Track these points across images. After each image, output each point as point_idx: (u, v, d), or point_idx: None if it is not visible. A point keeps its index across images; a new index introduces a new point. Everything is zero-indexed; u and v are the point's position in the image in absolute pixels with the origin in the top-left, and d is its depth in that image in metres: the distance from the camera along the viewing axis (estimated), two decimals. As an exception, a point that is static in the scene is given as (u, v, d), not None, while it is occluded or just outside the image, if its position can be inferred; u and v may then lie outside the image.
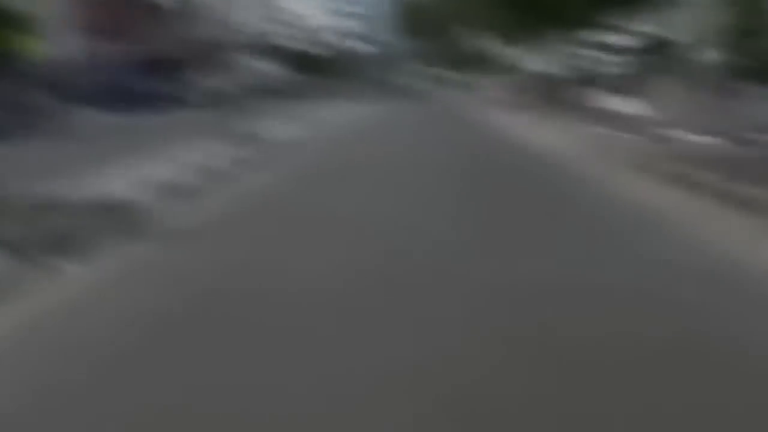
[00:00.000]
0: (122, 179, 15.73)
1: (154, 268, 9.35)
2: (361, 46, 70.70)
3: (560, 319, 7.32)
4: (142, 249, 10.34)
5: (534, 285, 8.46)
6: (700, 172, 15.78)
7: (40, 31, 47.96)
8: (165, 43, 69.84)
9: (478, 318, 7.34)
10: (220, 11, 28.54)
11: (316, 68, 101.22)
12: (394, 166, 20.29)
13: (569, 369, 6.11)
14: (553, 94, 48.71)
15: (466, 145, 29.62)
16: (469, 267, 9.28)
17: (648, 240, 10.99)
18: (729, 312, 7.53)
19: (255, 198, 15.18)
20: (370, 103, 63.14)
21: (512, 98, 60.02)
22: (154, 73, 65.15)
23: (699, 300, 7.90)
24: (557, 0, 43.97)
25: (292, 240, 11.00)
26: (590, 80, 48.18)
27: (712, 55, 53.53)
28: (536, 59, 61.62)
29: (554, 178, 18.83)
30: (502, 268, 9.25)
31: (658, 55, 57.85)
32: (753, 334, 6.94)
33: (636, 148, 22.83)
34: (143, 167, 17.75)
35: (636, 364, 6.29)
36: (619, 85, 40.00)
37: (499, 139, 32.60)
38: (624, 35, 63.04)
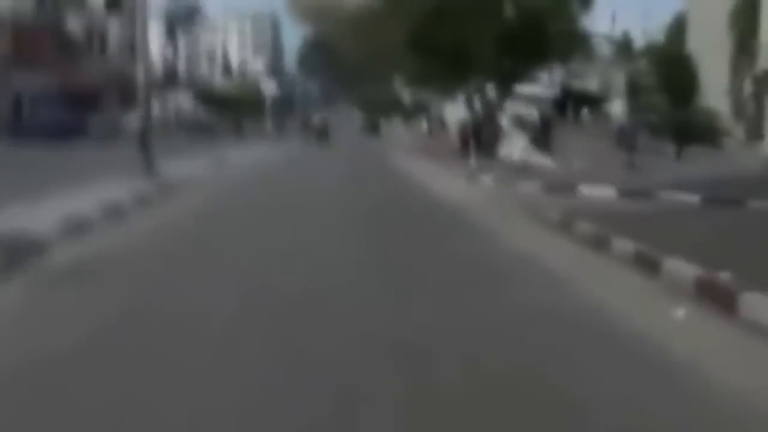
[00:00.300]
0: (23, 214, 15.89)
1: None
2: (271, 86, 70.87)
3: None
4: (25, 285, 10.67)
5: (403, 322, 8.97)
6: (591, 223, 16.29)
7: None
8: (80, 75, 69.62)
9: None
10: (137, 45, 28.84)
11: (227, 106, 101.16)
12: (292, 204, 20.73)
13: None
14: (464, 141, 49.31)
15: (370, 187, 30.25)
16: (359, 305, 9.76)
17: (523, 286, 11.59)
18: (574, 355, 8.03)
19: (148, 235, 15.61)
20: (279, 142, 63.25)
21: (422, 143, 60.46)
22: (68, 105, 64.93)
23: (550, 343, 8.44)
24: (471, 48, 44.47)
25: (177, 279, 11.39)
26: (499, 128, 48.92)
27: (618, 108, 54.76)
28: (449, 106, 62.38)
29: (449, 222, 19.55)
30: (385, 308, 9.84)
31: (568, 105, 58.94)
32: (589, 376, 7.43)
33: (534, 198, 23.39)
34: (46, 201, 17.88)
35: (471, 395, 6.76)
36: (529, 134, 40.69)
37: (404, 182, 33.18)
38: (537, 85, 64.19)
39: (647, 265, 12.66)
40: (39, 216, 15.32)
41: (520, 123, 38.83)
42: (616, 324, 9.53)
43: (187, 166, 30.70)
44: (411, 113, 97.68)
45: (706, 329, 9.47)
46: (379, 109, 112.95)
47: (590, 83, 74.25)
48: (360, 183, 31.56)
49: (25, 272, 11.46)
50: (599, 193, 24.71)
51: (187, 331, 8.59)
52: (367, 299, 10.38)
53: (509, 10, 45.70)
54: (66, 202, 17.75)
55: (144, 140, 26.11)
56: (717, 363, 8.05)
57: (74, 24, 72.12)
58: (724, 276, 10.71)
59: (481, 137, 45.97)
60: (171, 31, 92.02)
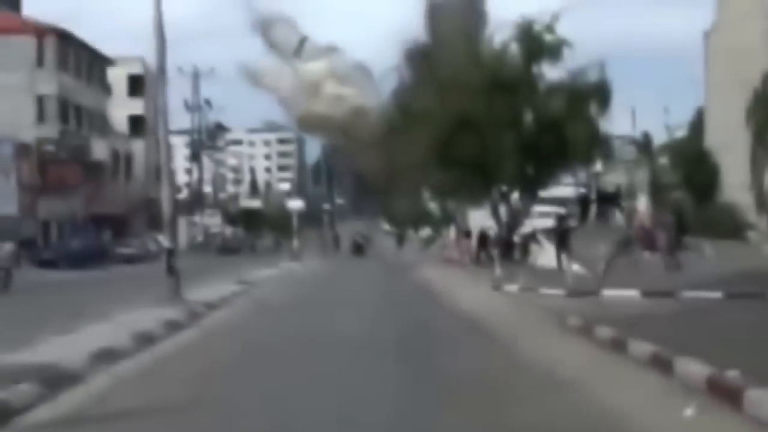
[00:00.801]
0: (51, 344, 16.28)
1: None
2: (298, 204, 71.60)
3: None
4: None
5: None
6: (611, 328, 16.57)
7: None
8: (106, 200, 70.65)
9: None
10: (161, 169, 29.74)
11: (256, 224, 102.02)
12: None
13: None
14: (488, 248, 49.59)
15: (392, 298, 30.81)
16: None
17: (539, 399, 11.84)
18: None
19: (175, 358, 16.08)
20: (308, 259, 63.65)
21: (446, 251, 60.80)
22: (96, 229, 65.83)
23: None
24: (493, 157, 44.94)
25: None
26: (516, 234, 49.28)
27: (642, 204, 54.93)
28: (474, 215, 62.69)
29: (468, 331, 19.96)
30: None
31: (590, 207, 59.25)
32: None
33: (557, 305, 23.61)
34: (76, 330, 18.27)
35: None
36: (554, 238, 40.81)
37: (428, 292, 33.54)
38: (562, 187, 64.55)
39: (662, 365, 12.92)
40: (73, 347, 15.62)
41: (546, 231, 38.92)
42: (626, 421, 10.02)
43: (216, 289, 31.01)
44: (439, 224, 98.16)
45: (713, 425, 9.84)
46: (407, 221, 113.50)
47: (616, 182, 74.58)
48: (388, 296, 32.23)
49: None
50: (622, 294, 24.89)
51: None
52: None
53: (528, 118, 46.31)
54: (97, 332, 18.13)
55: (170, 265, 26.49)
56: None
57: (99, 149, 73.29)
58: (732, 374, 10.99)
59: (506, 246, 46.31)
60: (196, 153, 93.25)
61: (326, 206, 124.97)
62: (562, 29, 46.94)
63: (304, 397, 12.31)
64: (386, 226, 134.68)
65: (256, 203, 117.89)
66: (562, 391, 12.27)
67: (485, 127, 45.02)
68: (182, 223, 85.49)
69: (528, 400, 11.86)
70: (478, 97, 45.28)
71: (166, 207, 27.92)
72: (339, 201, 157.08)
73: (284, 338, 19.48)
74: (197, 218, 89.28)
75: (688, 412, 10.28)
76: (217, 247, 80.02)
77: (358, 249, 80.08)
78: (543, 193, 55.89)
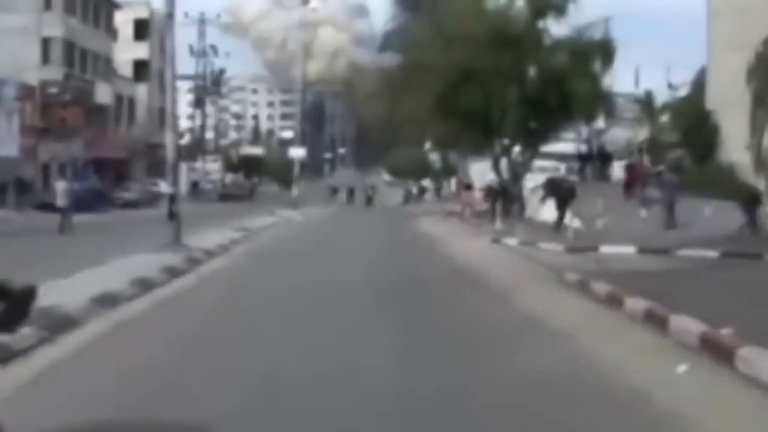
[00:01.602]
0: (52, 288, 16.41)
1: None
2: (300, 152, 71.38)
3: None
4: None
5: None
6: (607, 284, 16.73)
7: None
8: (108, 144, 70.54)
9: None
10: (167, 119, 29.93)
11: (257, 171, 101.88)
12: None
13: None
14: (491, 201, 49.61)
15: (387, 249, 31.13)
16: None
17: (529, 349, 12.07)
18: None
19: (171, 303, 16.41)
20: (307, 208, 63.70)
21: (448, 204, 60.81)
22: (98, 173, 65.81)
23: (546, 409, 8.87)
24: (496, 110, 44.89)
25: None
26: (522, 188, 49.28)
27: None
28: (475, 167, 62.74)
29: (464, 282, 20.30)
30: (386, 368, 10.54)
31: (593, 162, 59.14)
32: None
33: (556, 259, 23.74)
34: (77, 274, 18.45)
35: None
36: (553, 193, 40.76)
37: (423, 244, 33.85)
38: (563, 143, 64.50)
39: (656, 321, 13.10)
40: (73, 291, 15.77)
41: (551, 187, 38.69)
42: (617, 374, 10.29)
43: (214, 237, 31.08)
44: (440, 175, 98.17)
45: (703, 382, 9.98)
46: (408, 172, 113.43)
47: (616, 140, 74.55)
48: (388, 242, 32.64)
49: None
50: (619, 251, 25.03)
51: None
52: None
53: (532, 72, 46.19)
54: (98, 277, 18.28)
55: (172, 211, 26.58)
56: (705, 413, 8.57)
57: (103, 92, 73.09)
58: (725, 332, 11.12)
59: (507, 199, 46.39)
60: (199, 99, 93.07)
61: (328, 155, 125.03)
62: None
63: (285, 341, 12.60)
64: (387, 177, 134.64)
65: (257, 150, 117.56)
66: (556, 343, 12.47)
67: (489, 80, 45.00)
68: (183, 168, 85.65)
69: (519, 349, 12.06)
70: (482, 50, 45.22)
71: (170, 153, 27.93)
72: (341, 150, 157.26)
73: (277, 287, 19.68)
74: (198, 164, 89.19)
75: (680, 368, 10.40)
76: (216, 194, 79.90)
77: (368, 200, 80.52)
78: (545, 148, 55.84)
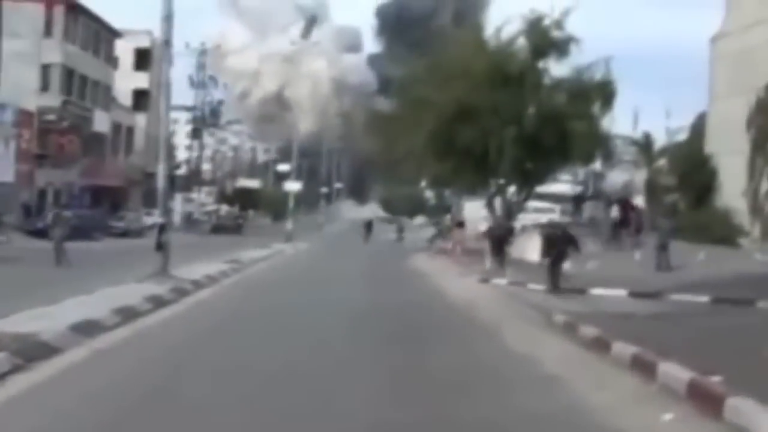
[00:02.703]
0: (32, 315, 16.24)
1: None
2: (295, 186, 71.29)
3: None
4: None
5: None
6: (595, 327, 16.55)
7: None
8: (105, 172, 70.43)
9: None
10: (159, 151, 30.01)
11: (253, 204, 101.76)
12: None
13: None
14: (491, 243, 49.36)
15: (375, 284, 30.90)
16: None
17: (510, 392, 11.92)
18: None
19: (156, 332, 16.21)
20: (301, 242, 63.42)
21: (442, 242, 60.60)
22: (94, 201, 65.71)
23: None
24: (492, 149, 44.61)
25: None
26: (516, 228, 49.03)
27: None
28: (469, 206, 62.57)
29: (455, 322, 20.16)
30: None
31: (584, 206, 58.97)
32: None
33: (543, 301, 23.54)
34: (60, 302, 18.28)
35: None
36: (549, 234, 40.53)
37: (420, 280, 33.68)
38: (559, 184, 64.40)
39: (643, 367, 12.88)
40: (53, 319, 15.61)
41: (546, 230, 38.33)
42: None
43: (204, 268, 30.83)
44: (434, 213, 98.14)
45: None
46: (403, 208, 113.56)
47: (614, 183, 74.47)
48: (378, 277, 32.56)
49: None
50: (610, 293, 24.88)
51: None
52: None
53: (531, 111, 45.87)
54: (81, 305, 18.10)
55: (160, 241, 26.39)
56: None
57: (101, 121, 73.00)
58: (714, 380, 10.91)
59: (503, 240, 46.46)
60: (197, 130, 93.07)
61: (324, 190, 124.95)
62: (571, 25, 46.60)
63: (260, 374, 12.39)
64: (382, 213, 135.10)
65: (254, 183, 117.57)
66: (539, 387, 12.28)
67: (486, 119, 44.62)
68: (178, 199, 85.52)
69: (499, 394, 11.82)
70: (481, 87, 44.89)
71: (160, 183, 27.79)
72: (337, 185, 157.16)
73: (264, 314, 19.70)
74: (194, 195, 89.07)
75: (666, 417, 10.20)
76: (210, 225, 79.54)
77: (368, 230, 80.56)
78: (540, 189, 55.65)
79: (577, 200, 67.25)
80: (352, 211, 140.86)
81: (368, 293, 26.84)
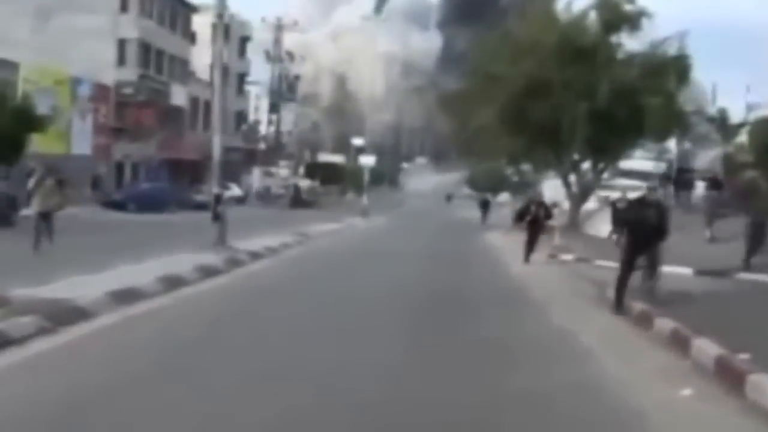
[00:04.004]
0: (75, 282, 16.31)
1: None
2: (369, 160, 71.18)
3: None
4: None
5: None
6: (641, 302, 16.41)
7: (60, 130, 49.18)
8: (182, 146, 70.74)
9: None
10: (212, 119, 30.46)
11: (335, 178, 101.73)
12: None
13: None
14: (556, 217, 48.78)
15: (442, 258, 30.63)
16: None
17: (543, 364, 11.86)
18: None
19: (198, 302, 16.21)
20: (376, 216, 63.21)
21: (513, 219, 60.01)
22: (173, 174, 66.10)
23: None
24: (564, 125, 44.10)
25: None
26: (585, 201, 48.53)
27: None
28: (547, 183, 61.92)
29: (504, 296, 19.99)
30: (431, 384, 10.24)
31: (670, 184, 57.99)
32: None
33: (606, 277, 23.07)
34: (106, 270, 18.44)
35: None
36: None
37: (481, 255, 33.73)
38: (645, 161, 63.40)
39: (680, 343, 12.72)
40: (94, 286, 15.68)
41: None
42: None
43: (268, 240, 30.65)
44: (517, 190, 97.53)
45: (705, 406, 9.59)
46: (486, 185, 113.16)
47: (698, 160, 73.18)
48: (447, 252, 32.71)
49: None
50: (675, 271, 24.35)
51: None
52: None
53: (603, 86, 45.09)
54: (127, 273, 18.18)
55: (216, 212, 26.42)
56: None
57: (178, 94, 73.50)
58: (741, 357, 10.61)
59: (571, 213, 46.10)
60: (274, 104, 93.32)
61: (405, 165, 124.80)
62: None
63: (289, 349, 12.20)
64: (467, 190, 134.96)
65: (337, 158, 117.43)
66: (572, 359, 12.18)
67: (558, 94, 44.18)
68: (256, 173, 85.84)
69: (534, 366, 11.71)
70: (552, 61, 44.75)
71: (216, 154, 27.78)
72: (420, 160, 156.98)
73: (309, 293, 19.18)
74: (274, 169, 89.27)
75: (685, 393, 9.94)
76: (288, 199, 79.25)
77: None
78: (626, 166, 54.90)
79: (664, 179, 65.96)
80: (433, 185, 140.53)
81: (427, 269, 26.42)
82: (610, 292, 18.74)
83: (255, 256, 25.73)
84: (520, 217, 32.14)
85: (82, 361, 10.83)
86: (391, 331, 13.93)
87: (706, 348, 11.67)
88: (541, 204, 30.99)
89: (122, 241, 29.00)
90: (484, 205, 69.46)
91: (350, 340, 12.92)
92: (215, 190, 27.49)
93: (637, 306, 16.25)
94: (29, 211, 32.99)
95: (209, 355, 11.42)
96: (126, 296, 15.37)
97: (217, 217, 26.39)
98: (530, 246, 29.82)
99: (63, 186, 35.49)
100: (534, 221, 30.25)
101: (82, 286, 15.55)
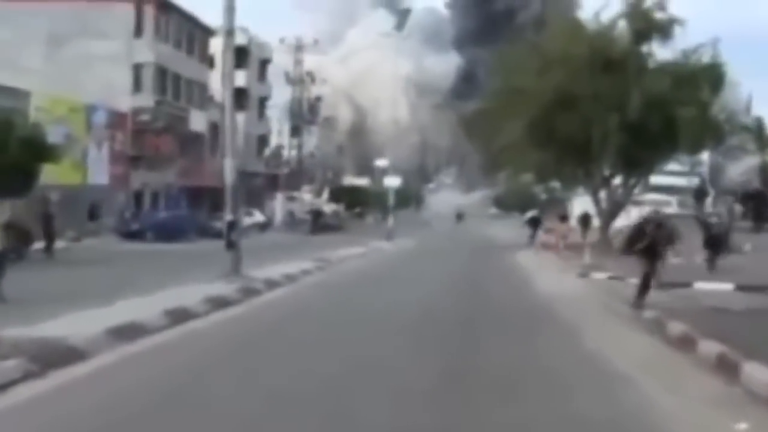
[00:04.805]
0: (70, 318, 15.34)
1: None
2: (394, 181, 70.37)
3: None
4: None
5: None
6: (683, 324, 15.39)
7: (76, 160, 48.53)
8: (202, 172, 70.03)
9: None
10: (225, 143, 30.02)
11: (360, 201, 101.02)
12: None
13: None
14: (588, 233, 47.79)
15: (471, 279, 29.74)
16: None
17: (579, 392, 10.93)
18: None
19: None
20: (402, 238, 62.19)
21: (543, 236, 58.90)
22: (193, 202, 65.40)
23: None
24: (594, 138, 43.10)
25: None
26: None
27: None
28: (576, 200, 60.97)
29: (534, 316, 19.14)
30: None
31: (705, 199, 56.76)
32: None
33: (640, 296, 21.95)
34: (108, 305, 17.35)
35: None
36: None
37: (509, 275, 32.65)
38: (676, 176, 62.36)
39: (727, 369, 11.77)
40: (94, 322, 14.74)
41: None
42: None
43: (286, 267, 29.56)
44: (545, 208, 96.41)
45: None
46: (513, 204, 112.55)
47: (729, 171, 72.23)
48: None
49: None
50: (716, 287, 23.26)
51: None
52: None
53: (635, 98, 43.91)
54: (129, 307, 17.12)
55: (230, 240, 25.42)
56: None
57: (197, 120, 72.64)
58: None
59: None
60: (295, 127, 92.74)
61: (431, 185, 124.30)
62: (674, 6, 44.84)
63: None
64: (493, 210, 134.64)
65: (361, 180, 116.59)
66: (610, 388, 11.18)
67: (587, 106, 43.17)
68: (279, 198, 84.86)
69: (567, 396, 10.72)
70: (581, 73, 43.72)
71: (228, 178, 26.89)
72: (446, 179, 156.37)
73: (333, 318, 18.49)
74: (297, 194, 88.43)
75: (741, 426, 8.97)
76: (311, 224, 77.93)
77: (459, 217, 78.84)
78: (656, 181, 53.88)
79: (699, 193, 64.84)
80: (459, 205, 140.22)
81: (453, 292, 25.37)
82: (646, 313, 17.85)
83: (272, 284, 24.57)
84: (630, 243, 22.21)
85: (68, 408, 9.81)
86: (402, 357, 13.13)
87: (758, 374, 10.71)
88: (660, 225, 21.30)
89: (131, 273, 27.93)
90: (534, 223, 61.18)
91: (365, 375, 11.89)
92: (228, 216, 26.39)
93: (678, 327, 15.17)
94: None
95: (209, 397, 10.41)
96: (126, 332, 14.30)
97: (231, 245, 25.34)
98: (646, 283, 20.89)
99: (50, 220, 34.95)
100: (651, 247, 21.07)
101: (79, 323, 14.55)
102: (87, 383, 11.17)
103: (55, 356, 11.99)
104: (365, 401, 10.13)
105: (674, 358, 13.55)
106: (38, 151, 36.64)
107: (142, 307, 17.10)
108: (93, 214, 53.43)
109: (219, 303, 19.29)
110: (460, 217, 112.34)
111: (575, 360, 13.32)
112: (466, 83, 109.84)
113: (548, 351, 14.12)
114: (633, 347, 14.59)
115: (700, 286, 23.74)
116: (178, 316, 16.79)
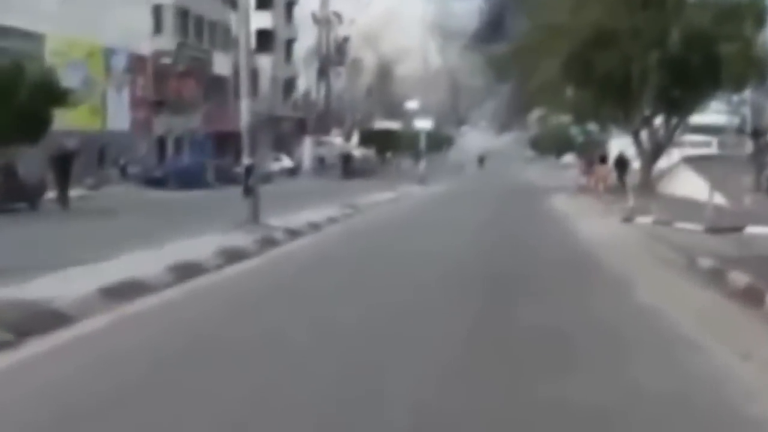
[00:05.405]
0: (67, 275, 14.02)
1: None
2: (426, 123, 69.05)
3: None
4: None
5: None
6: (748, 274, 13.93)
7: (95, 105, 47.20)
8: (227, 117, 68.54)
9: None
10: (240, 87, 28.99)
11: (392, 145, 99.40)
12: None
13: None
14: (625, 175, 46.39)
15: (506, 226, 28.46)
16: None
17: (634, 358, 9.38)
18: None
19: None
20: (434, 183, 60.90)
21: (579, 178, 57.36)
22: (219, 147, 64.13)
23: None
24: (633, 76, 41.53)
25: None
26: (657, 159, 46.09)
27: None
28: (614, 142, 59.46)
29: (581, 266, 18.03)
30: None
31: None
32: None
33: (691, 241, 20.39)
34: (111, 258, 16.00)
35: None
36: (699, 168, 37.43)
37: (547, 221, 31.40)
38: (718, 115, 60.40)
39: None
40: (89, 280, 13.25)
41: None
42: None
43: (312, 214, 28.07)
44: (583, 150, 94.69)
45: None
46: (549, 148, 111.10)
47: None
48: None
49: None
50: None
51: None
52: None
53: (675, 34, 42.25)
54: (135, 261, 15.75)
55: (247, 186, 23.95)
56: None
57: (221, 63, 70.74)
58: None
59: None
60: (322, 69, 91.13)
61: (465, 128, 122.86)
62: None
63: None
64: (529, 152, 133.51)
65: (393, 124, 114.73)
66: (672, 352, 9.62)
67: (626, 43, 41.71)
68: (308, 143, 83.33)
69: (619, 362, 9.24)
70: (619, 8, 42.35)
71: (244, 120, 25.62)
72: (481, 123, 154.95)
73: (352, 266, 17.51)
74: (326, 138, 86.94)
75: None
76: (340, 170, 76.31)
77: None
78: (696, 121, 52.10)
79: (741, 133, 62.73)
80: (495, 146, 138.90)
81: (490, 239, 23.94)
82: (702, 261, 16.26)
83: (293, 233, 22.89)
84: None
85: (40, 381, 8.41)
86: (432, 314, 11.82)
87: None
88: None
89: (145, 223, 26.31)
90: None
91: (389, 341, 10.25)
92: (246, 161, 24.91)
93: (741, 278, 13.59)
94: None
95: (211, 366, 8.92)
96: (123, 291, 12.79)
97: (248, 192, 23.83)
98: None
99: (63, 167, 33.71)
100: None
101: (72, 281, 13.16)
102: (66, 351, 9.72)
103: (33, 322, 10.50)
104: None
105: (741, 315, 11.96)
106: (50, 95, 35.18)
107: (146, 261, 15.63)
108: (102, 160, 51.97)
109: (232, 255, 17.64)
110: (482, 160, 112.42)
111: (625, 318, 11.77)
112: (491, 26, 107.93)
113: (590, 308, 12.58)
114: (693, 301, 13.14)
115: (753, 230, 22.21)
116: (186, 270, 15.22)
